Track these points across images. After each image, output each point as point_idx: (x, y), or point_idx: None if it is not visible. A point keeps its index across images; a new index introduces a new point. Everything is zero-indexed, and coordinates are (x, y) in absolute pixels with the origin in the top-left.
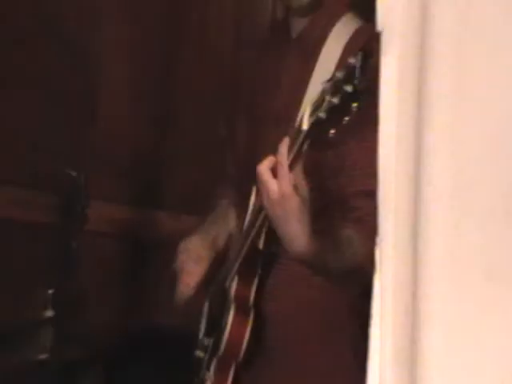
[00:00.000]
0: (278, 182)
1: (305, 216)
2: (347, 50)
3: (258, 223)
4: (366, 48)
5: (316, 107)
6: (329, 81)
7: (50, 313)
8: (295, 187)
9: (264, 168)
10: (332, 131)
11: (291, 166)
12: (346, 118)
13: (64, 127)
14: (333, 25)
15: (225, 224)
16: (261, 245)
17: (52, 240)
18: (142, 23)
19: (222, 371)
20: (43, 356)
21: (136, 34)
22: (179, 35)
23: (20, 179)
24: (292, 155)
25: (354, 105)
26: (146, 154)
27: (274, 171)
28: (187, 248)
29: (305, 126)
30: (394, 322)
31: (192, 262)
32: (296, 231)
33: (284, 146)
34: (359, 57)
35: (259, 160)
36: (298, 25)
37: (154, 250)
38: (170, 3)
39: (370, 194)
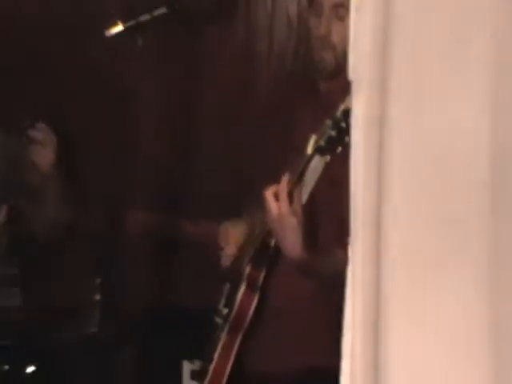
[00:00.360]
0: (279, 204)
1: (299, 231)
2: None
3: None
4: None
5: (319, 137)
6: (331, 119)
7: (98, 297)
8: (292, 209)
9: (268, 193)
10: (329, 157)
11: (292, 192)
12: (340, 148)
13: (108, 153)
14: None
15: (252, 224)
16: (272, 243)
17: (99, 243)
18: (173, 68)
19: (232, 333)
20: (93, 330)
21: (167, 76)
22: (202, 77)
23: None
24: (294, 181)
25: (347, 138)
26: (171, 172)
27: (277, 195)
28: (225, 228)
29: (309, 151)
30: (363, 298)
31: (228, 237)
32: (291, 243)
33: (285, 178)
34: None
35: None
36: (324, 84)
37: (177, 248)
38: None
39: None
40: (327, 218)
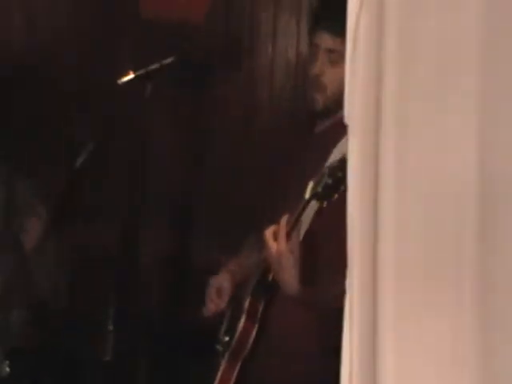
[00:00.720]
0: (277, 243)
1: (296, 269)
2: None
3: (267, 262)
4: None
5: (316, 183)
6: (328, 167)
7: (111, 327)
8: (290, 248)
9: (269, 232)
10: (325, 203)
11: (290, 232)
12: (336, 195)
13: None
14: (345, 133)
15: (247, 260)
16: (270, 277)
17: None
18: (179, 111)
19: (232, 361)
20: (107, 358)
21: (175, 119)
22: (207, 119)
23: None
24: (292, 223)
25: (342, 187)
26: (184, 206)
27: (276, 235)
28: (215, 283)
29: (307, 196)
30: (361, 325)
31: (216, 294)
32: (288, 279)
33: (284, 219)
34: None
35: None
36: (320, 126)
37: (188, 271)
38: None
39: None
40: (322, 254)
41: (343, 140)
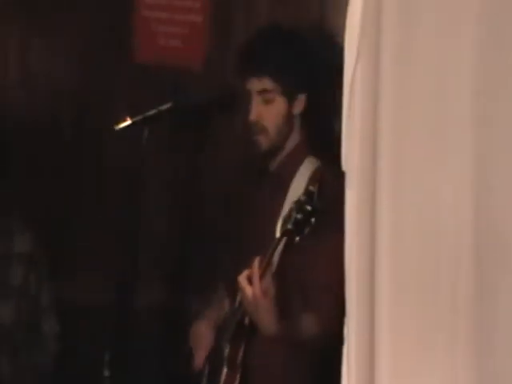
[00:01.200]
0: (252, 288)
1: (272, 310)
2: (310, 182)
3: (243, 307)
4: (321, 180)
5: (285, 221)
6: (295, 202)
7: (107, 373)
8: (265, 291)
9: (242, 277)
10: (297, 238)
11: (264, 274)
12: (307, 229)
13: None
14: (300, 164)
15: (221, 309)
16: (246, 320)
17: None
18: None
19: None
20: None
21: (170, 163)
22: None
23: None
24: (265, 263)
25: (313, 219)
26: (177, 258)
27: (250, 279)
28: (197, 330)
29: (277, 234)
30: (358, 375)
31: (200, 340)
32: (265, 321)
33: (256, 263)
34: (316, 186)
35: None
36: (273, 163)
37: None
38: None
39: (327, 287)
40: (294, 287)
41: (300, 173)
